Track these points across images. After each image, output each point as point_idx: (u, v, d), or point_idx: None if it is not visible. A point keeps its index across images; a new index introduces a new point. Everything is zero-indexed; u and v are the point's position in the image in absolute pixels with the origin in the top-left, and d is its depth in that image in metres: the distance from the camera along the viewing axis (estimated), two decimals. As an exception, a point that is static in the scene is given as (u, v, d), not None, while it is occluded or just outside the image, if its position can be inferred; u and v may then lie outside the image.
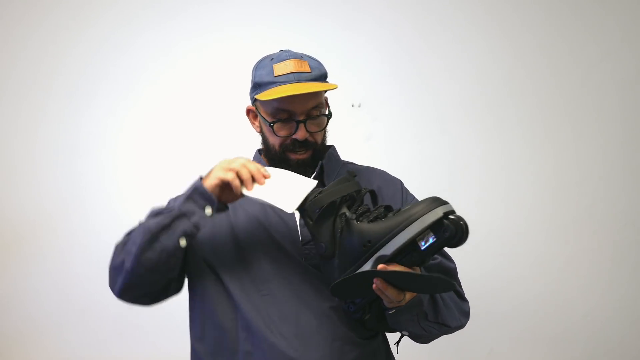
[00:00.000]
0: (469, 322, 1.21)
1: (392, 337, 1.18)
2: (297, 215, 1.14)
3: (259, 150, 1.26)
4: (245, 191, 1.07)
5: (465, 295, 1.22)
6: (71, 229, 1.97)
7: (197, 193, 1.07)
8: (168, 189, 1.20)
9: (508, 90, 2.02)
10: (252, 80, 1.21)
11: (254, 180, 1.06)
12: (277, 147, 1.18)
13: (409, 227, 0.93)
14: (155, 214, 1.09)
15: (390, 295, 0.97)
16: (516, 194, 1.99)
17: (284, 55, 1.19)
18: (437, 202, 0.94)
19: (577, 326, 1.97)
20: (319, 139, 1.19)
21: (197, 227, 1.06)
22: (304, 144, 1.16)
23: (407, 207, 0.96)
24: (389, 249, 0.94)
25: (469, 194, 1.98)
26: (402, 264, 0.96)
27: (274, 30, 1.97)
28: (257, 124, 1.23)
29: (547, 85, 2.01)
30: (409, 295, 1.01)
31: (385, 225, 0.95)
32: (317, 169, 1.19)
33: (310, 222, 1.03)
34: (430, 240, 0.93)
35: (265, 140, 1.21)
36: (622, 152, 2.00)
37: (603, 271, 1.98)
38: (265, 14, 2.01)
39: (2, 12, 2.02)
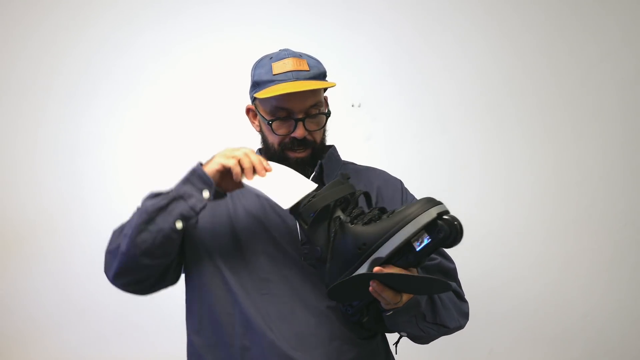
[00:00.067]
0: (469, 322, 1.21)
1: (391, 337, 1.18)
2: (297, 215, 1.14)
3: (259, 150, 1.26)
4: (245, 180, 1.07)
5: (466, 295, 1.22)
6: (71, 228, 1.97)
7: (195, 176, 1.07)
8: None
9: (508, 90, 2.02)
10: (251, 79, 1.21)
11: (255, 171, 1.07)
12: (276, 145, 1.18)
13: (403, 228, 0.93)
14: (152, 196, 1.09)
15: (387, 298, 0.97)
16: (516, 194, 1.99)
17: (283, 54, 1.19)
18: (430, 202, 0.94)
19: (577, 326, 1.97)
20: (317, 137, 1.19)
21: (194, 209, 1.05)
22: (302, 143, 1.16)
23: (401, 209, 0.96)
24: (384, 251, 0.94)
25: (469, 194, 1.98)
26: (398, 266, 0.96)
27: (274, 30, 1.97)
28: (256, 123, 1.24)
29: (547, 85, 2.01)
30: (406, 297, 1.01)
31: (380, 227, 0.95)
32: (316, 169, 1.19)
33: (305, 226, 1.03)
34: (425, 241, 0.93)
35: (264, 139, 1.22)
36: (622, 152, 2.00)
37: (603, 271, 1.98)
38: (265, 14, 2.01)
39: (2, 12, 2.02)
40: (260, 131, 1.23)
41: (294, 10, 2.02)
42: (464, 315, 1.19)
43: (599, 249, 1.98)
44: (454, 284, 1.19)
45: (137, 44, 2.02)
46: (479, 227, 1.95)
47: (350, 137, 1.88)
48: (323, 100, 1.21)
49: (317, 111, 1.17)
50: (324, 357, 1.08)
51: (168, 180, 1.12)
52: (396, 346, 1.18)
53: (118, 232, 1.12)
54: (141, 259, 1.06)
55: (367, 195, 1.07)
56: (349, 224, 0.99)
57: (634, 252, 1.99)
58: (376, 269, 0.94)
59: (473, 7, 2.02)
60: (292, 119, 1.15)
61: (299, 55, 1.19)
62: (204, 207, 1.07)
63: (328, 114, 1.20)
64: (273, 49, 1.24)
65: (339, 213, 1.01)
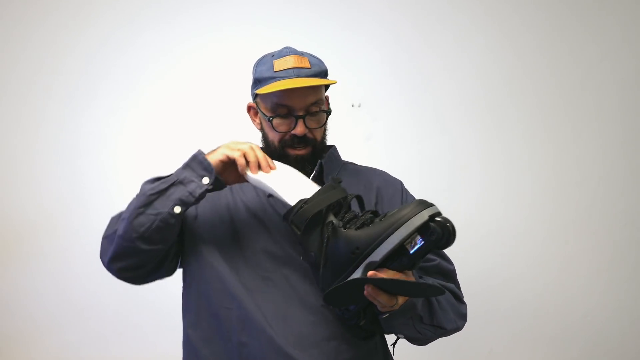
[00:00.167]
0: (469, 321, 1.21)
1: (389, 336, 1.18)
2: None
3: (260, 149, 1.26)
4: (248, 173, 1.07)
5: (466, 295, 1.22)
6: (72, 228, 1.97)
7: (195, 162, 1.07)
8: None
9: (508, 90, 2.02)
10: (253, 77, 1.21)
11: (260, 167, 1.07)
12: (276, 142, 1.18)
13: (396, 232, 0.92)
14: (152, 180, 1.10)
15: (382, 301, 0.97)
16: (516, 194, 1.99)
17: (285, 51, 1.20)
18: (422, 205, 0.93)
19: (576, 326, 1.97)
20: (318, 135, 1.19)
21: (193, 195, 1.05)
22: (302, 140, 1.16)
23: (393, 212, 0.95)
24: (378, 255, 0.94)
25: (469, 194, 1.98)
26: (392, 269, 0.95)
27: (274, 30, 1.97)
28: (257, 120, 1.24)
29: (547, 85, 2.01)
30: (401, 299, 1.00)
31: (373, 231, 0.95)
32: (316, 168, 1.19)
33: (298, 232, 1.03)
34: (418, 244, 0.93)
35: (264, 137, 1.22)
36: (622, 152, 2.00)
37: (603, 271, 1.98)
38: (265, 14, 2.01)
39: (2, 12, 2.02)
40: (261, 129, 1.23)
41: (294, 10, 2.02)
42: (462, 317, 1.18)
43: (599, 249, 1.98)
44: (451, 285, 1.19)
45: (137, 44, 2.02)
46: (479, 227, 1.95)
47: (350, 137, 1.88)
48: (324, 98, 1.21)
49: (318, 109, 1.17)
50: (322, 356, 1.08)
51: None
52: (393, 347, 1.18)
53: (116, 219, 1.13)
54: (138, 242, 1.05)
55: (359, 199, 1.07)
56: (342, 229, 0.99)
57: (634, 252, 1.99)
58: (370, 273, 0.94)
59: (473, 7, 2.02)
60: (293, 116, 1.15)
61: (300, 54, 1.19)
62: (203, 194, 1.07)
63: (329, 112, 1.20)
64: (273, 48, 1.24)
65: (332, 218, 1.01)
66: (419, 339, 1.14)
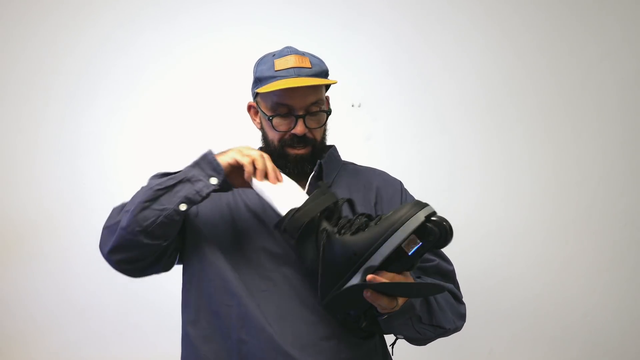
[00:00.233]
0: (469, 321, 1.21)
1: (389, 336, 1.18)
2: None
3: (260, 148, 1.26)
4: (254, 181, 1.07)
5: (466, 295, 1.22)
6: (72, 228, 1.97)
7: (205, 161, 1.07)
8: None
9: (508, 90, 2.02)
10: (253, 76, 1.21)
11: (266, 177, 1.07)
12: (276, 142, 1.18)
13: (393, 235, 0.92)
14: (159, 175, 1.09)
15: (382, 304, 0.97)
16: (516, 194, 1.99)
17: (286, 51, 1.20)
18: (417, 206, 0.93)
19: (576, 326, 1.97)
20: (318, 135, 1.19)
21: (200, 194, 1.05)
22: (302, 140, 1.16)
23: (388, 215, 0.95)
24: (376, 259, 0.94)
25: (469, 194, 1.98)
26: (391, 271, 0.95)
27: (274, 30, 1.97)
28: (257, 120, 1.24)
29: (547, 85, 2.01)
30: (401, 300, 1.00)
31: (369, 235, 0.94)
32: (315, 168, 1.19)
33: (292, 241, 1.02)
34: (416, 245, 0.93)
35: (264, 136, 1.22)
36: (622, 152, 2.00)
37: (603, 271, 1.98)
38: (266, 14, 2.01)
39: (2, 12, 2.02)
40: (261, 128, 1.23)
41: (294, 10, 2.02)
42: (461, 317, 1.18)
43: (599, 249, 1.98)
44: (450, 286, 1.19)
45: (138, 44, 2.02)
46: (479, 227, 1.95)
47: (350, 137, 1.88)
48: (324, 98, 1.21)
49: (318, 109, 1.17)
50: (321, 356, 1.08)
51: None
52: (392, 348, 1.18)
53: (118, 210, 1.12)
54: (140, 236, 1.05)
55: (350, 202, 1.07)
56: (337, 235, 0.98)
57: (634, 252, 1.99)
58: (369, 277, 0.93)
59: (473, 7, 2.02)
60: (293, 115, 1.15)
61: (301, 53, 1.19)
62: (209, 193, 1.06)
63: (329, 113, 1.21)
64: (273, 49, 1.24)
65: (325, 224, 1.00)
66: (419, 339, 1.14)
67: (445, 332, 1.14)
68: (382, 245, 0.93)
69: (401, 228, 0.92)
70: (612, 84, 2.00)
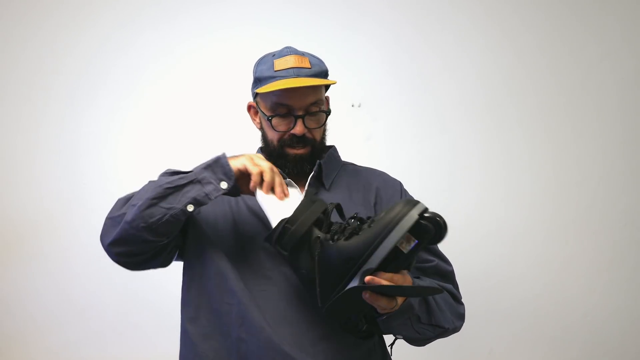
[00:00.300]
0: (469, 321, 1.21)
1: (388, 336, 1.18)
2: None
3: (260, 149, 1.26)
4: (258, 192, 1.06)
5: (466, 295, 1.22)
6: (72, 228, 1.97)
7: (218, 165, 1.06)
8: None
9: (508, 90, 2.02)
10: (253, 76, 1.22)
11: (272, 190, 1.06)
12: (275, 142, 1.18)
13: (389, 236, 0.92)
14: (170, 173, 1.08)
15: (382, 305, 0.97)
16: (516, 194, 1.99)
17: (286, 51, 1.20)
18: (409, 204, 0.93)
19: (576, 326, 1.97)
20: (317, 135, 1.20)
21: (208, 196, 1.04)
22: (302, 140, 1.16)
23: (380, 216, 0.94)
24: (373, 262, 0.93)
25: (469, 194, 1.98)
26: (389, 271, 0.95)
27: (274, 31, 1.97)
28: (257, 120, 1.24)
29: (547, 85, 2.01)
30: (400, 300, 1.00)
31: (364, 238, 0.94)
32: (315, 168, 1.19)
33: (285, 253, 1.01)
34: (413, 244, 0.93)
35: (264, 136, 1.22)
36: (622, 152, 2.00)
37: (603, 271, 1.98)
38: (266, 14, 2.02)
39: (2, 12, 2.02)
40: (261, 128, 1.24)
41: (294, 10, 2.02)
42: (459, 317, 1.18)
43: (599, 249, 1.98)
44: (449, 286, 1.19)
45: (138, 44, 2.02)
46: (479, 227, 1.95)
47: (350, 137, 1.89)
48: (324, 98, 1.21)
49: (318, 109, 1.17)
50: (319, 355, 1.08)
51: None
52: (391, 348, 1.18)
53: (124, 201, 1.12)
54: (144, 232, 1.05)
55: (338, 208, 1.06)
56: (330, 242, 0.97)
57: (634, 252, 1.99)
58: (367, 278, 0.93)
59: (473, 7, 2.02)
60: (292, 115, 1.15)
61: (301, 54, 1.19)
62: (217, 196, 1.06)
63: (328, 113, 1.21)
64: (273, 49, 1.25)
65: (317, 233, 0.99)
66: (418, 340, 1.14)
67: (444, 332, 1.14)
68: (378, 247, 0.92)
69: (396, 228, 0.91)
70: (612, 84, 2.00)
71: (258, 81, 1.18)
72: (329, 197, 1.18)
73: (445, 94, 2.01)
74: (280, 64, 1.16)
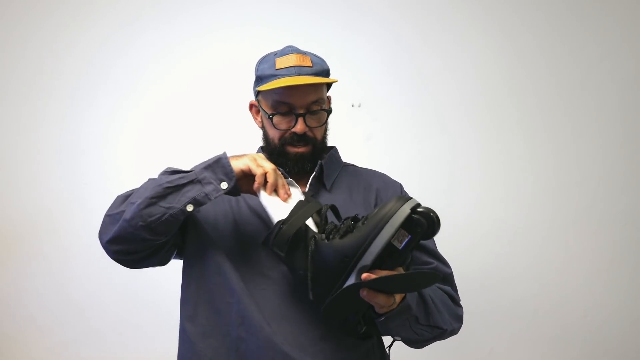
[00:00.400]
0: (469, 321, 1.21)
1: (387, 337, 1.18)
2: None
3: (261, 147, 1.26)
4: (261, 192, 1.06)
5: (466, 295, 1.22)
6: (72, 228, 1.97)
7: (218, 165, 1.05)
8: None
9: (508, 90, 2.02)
10: (255, 74, 1.22)
11: (275, 192, 1.06)
12: (276, 140, 1.18)
13: (382, 231, 0.92)
14: (170, 172, 1.08)
15: (380, 302, 0.96)
16: (516, 194, 1.99)
17: (287, 49, 1.20)
18: (401, 200, 0.93)
19: (576, 326, 1.97)
20: (318, 134, 1.20)
21: (208, 197, 1.04)
22: (302, 138, 1.16)
23: (373, 213, 0.95)
24: (367, 258, 0.93)
25: (469, 194, 1.98)
26: (385, 268, 0.95)
27: (274, 31, 1.97)
28: (258, 118, 1.24)
29: (547, 85, 2.01)
30: (398, 297, 1.00)
31: (358, 236, 0.94)
32: (316, 169, 1.19)
33: (282, 254, 1.01)
34: (406, 239, 0.93)
35: (265, 134, 1.22)
36: (622, 152, 2.00)
37: (602, 271, 1.98)
38: (266, 14, 2.02)
39: (3, 12, 2.02)
40: (262, 126, 1.24)
41: (294, 10, 2.02)
42: (458, 319, 1.18)
43: (599, 249, 1.98)
44: (447, 288, 1.19)
45: (138, 44, 2.02)
46: (479, 227, 1.95)
47: (350, 137, 1.89)
48: (325, 97, 1.21)
49: (319, 107, 1.17)
50: (318, 355, 1.08)
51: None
52: (389, 349, 1.18)
53: (123, 198, 1.11)
54: (142, 230, 1.04)
55: (334, 208, 1.06)
56: (325, 240, 0.98)
57: (634, 252, 1.99)
58: (364, 275, 0.93)
59: (473, 7, 2.02)
60: (293, 114, 1.15)
61: (303, 52, 1.20)
62: (217, 197, 1.05)
63: (329, 112, 1.21)
64: (273, 49, 1.25)
65: (312, 232, 1.00)
66: (416, 341, 1.13)
67: (443, 333, 1.14)
68: (371, 243, 0.92)
69: (388, 223, 0.92)
70: (612, 84, 2.00)
71: (260, 79, 1.19)
72: (329, 198, 1.18)
73: (445, 94, 2.01)
74: (281, 62, 1.16)
